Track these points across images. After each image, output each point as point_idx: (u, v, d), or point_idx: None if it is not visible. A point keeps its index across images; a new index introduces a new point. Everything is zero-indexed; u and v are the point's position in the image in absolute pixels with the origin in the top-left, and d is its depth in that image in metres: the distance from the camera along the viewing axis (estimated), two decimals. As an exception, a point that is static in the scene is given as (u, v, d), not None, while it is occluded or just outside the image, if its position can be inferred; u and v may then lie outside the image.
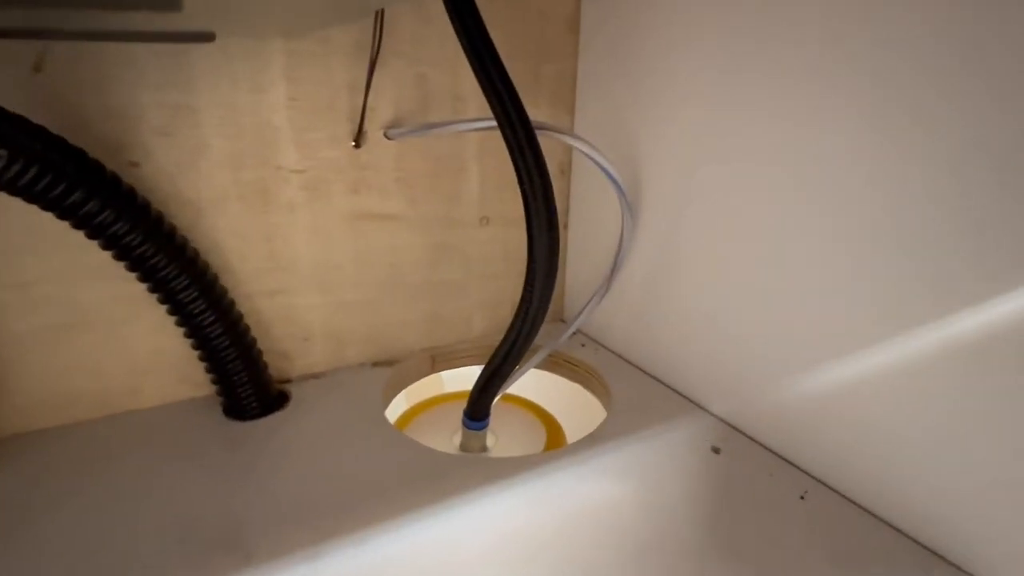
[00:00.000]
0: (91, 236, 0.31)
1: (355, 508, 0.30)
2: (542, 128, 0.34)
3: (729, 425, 0.39)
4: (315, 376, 0.44)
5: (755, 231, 0.35)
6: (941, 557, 0.29)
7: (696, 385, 0.42)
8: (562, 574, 0.28)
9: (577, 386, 0.49)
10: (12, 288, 0.34)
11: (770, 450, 0.37)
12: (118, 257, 0.32)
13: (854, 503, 0.32)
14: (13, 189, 0.27)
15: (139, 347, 0.38)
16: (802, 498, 0.33)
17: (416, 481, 0.32)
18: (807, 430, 0.34)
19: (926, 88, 0.26)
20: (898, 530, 0.30)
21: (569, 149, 0.50)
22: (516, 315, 0.35)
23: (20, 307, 0.34)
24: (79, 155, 0.29)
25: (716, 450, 0.37)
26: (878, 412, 0.30)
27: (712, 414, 0.40)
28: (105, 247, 0.32)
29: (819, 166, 0.31)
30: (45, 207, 0.29)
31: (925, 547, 0.29)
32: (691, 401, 0.42)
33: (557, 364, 0.50)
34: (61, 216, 0.29)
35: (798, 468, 0.35)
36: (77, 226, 0.30)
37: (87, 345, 0.36)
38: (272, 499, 0.31)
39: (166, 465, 0.34)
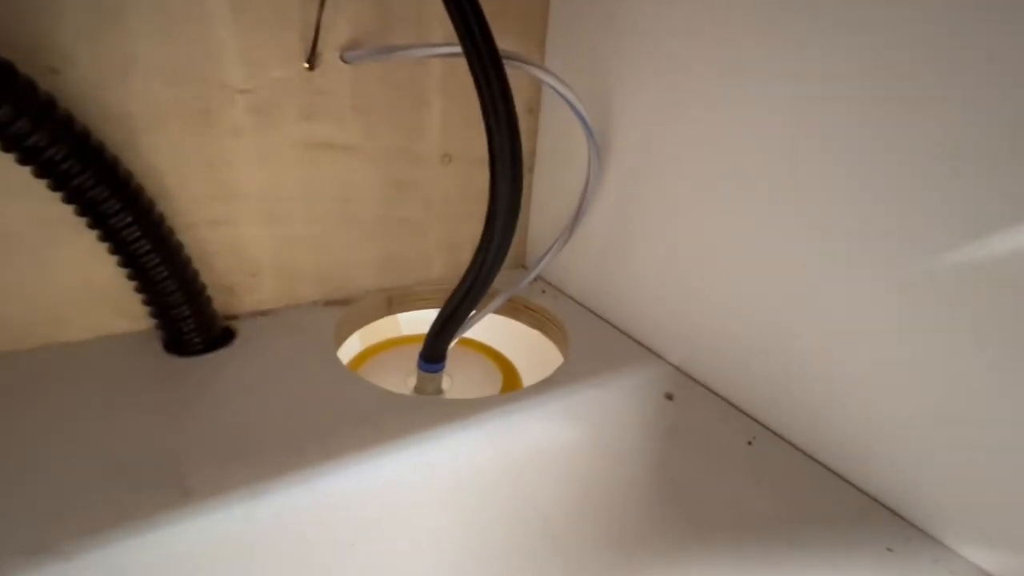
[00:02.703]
0: (5, 149, 0.28)
1: (301, 447, 0.29)
2: (510, 58, 0.32)
3: (684, 374, 0.39)
4: (264, 313, 0.42)
5: (720, 184, 0.34)
6: (879, 502, 0.30)
7: (654, 334, 0.42)
8: (514, 514, 0.28)
9: (536, 332, 0.48)
10: (-84, 204, 0.30)
11: (723, 398, 0.37)
12: (39, 175, 0.29)
13: (799, 449, 0.33)
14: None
15: (67, 275, 0.35)
16: (750, 443, 0.33)
17: (366, 421, 0.32)
18: (757, 378, 0.35)
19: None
20: (838, 475, 0.31)
21: (538, 87, 0.48)
22: (475, 257, 0.34)
23: (-74, 226, 0.31)
24: (-15, 53, 0.26)
25: (669, 396, 0.37)
26: (822, 359, 0.31)
27: (668, 362, 0.40)
28: (22, 162, 0.28)
29: (792, 119, 0.30)
30: (-54, 111, 0.25)
31: (864, 492, 0.30)
32: (648, 349, 0.42)
33: (516, 310, 0.49)
34: (-33, 123, 0.26)
35: (749, 416, 0.36)
36: (-13, 136, 0.27)
37: (9, 270, 0.33)
38: (214, 436, 0.30)
39: (99, 399, 0.32)
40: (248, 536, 0.25)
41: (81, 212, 0.31)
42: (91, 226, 0.32)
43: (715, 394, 0.37)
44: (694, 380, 0.39)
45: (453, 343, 0.41)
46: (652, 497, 0.30)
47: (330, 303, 0.44)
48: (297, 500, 0.27)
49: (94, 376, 0.34)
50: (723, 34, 0.32)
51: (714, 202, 0.35)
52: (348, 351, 0.47)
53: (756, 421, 0.35)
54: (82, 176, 0.30)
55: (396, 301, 0.48)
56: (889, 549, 0.27)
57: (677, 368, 0.40)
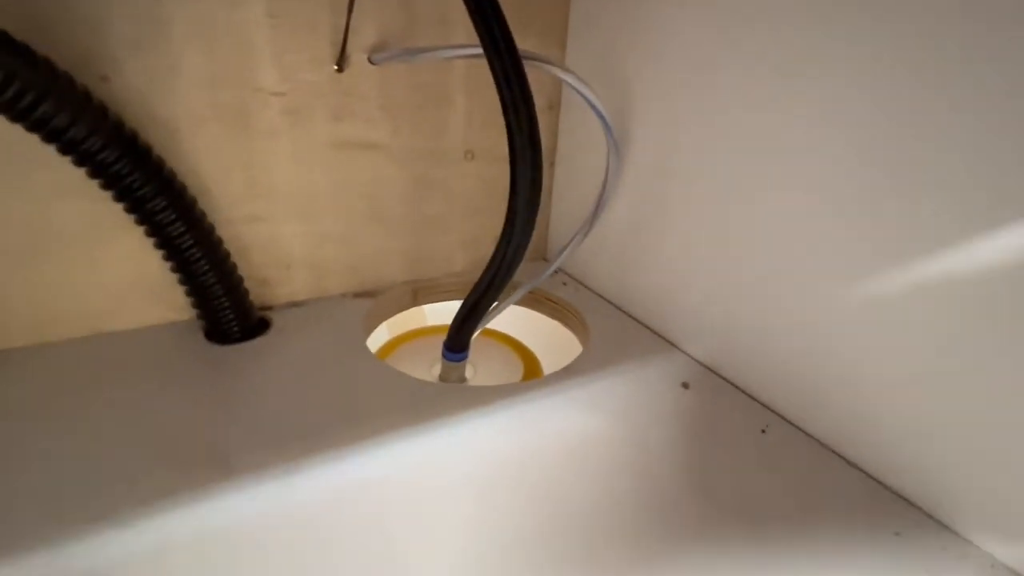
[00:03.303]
0: (63, 152, 0.30)
1: (334, 429, 0.31)
2: (530, 58, 0.33)
3: (702, 365, 0.40)
4: (296, 304, 0.44)
5: (738, 178, 0.35)
6: (896, 494, 0.30)
7: (673, 325, 0.43)
8: (535, 499, 0.30)
9: (556, 323, 0.49)
10: (-18, 204, 0.33)
11: (739, 388, 0.38)
12: (92, 175, 0.31)
13: (813, 438, 0.34)
14: (-22, 98, 0.26)
15: (117, 269, 0.37)
16: (763, 432, 0.34)
17: (394, 406, 0.33)
18: (771, 367, 0.35)
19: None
20: (853, 464, 0.32)
21: (558, 85, 0.49)
22: (496, 250, 0.35)
23: (-9, 224, 0.34)
24: (47, 64, 0.28)
25: (686, 385, 0.38)
26: (836, 347, 0.31)
27: (686, 353, 0.41)
28: (78, 163, 0.31)
29: (810, 112, 0.31)
30: (13, 119, 0.28)
31: (873, 478, 0.31)
32: (667, 341, 0.43)
33: (538, 301, 0.50)
34: (30, 129, 0.28)
35: (764, 405, 0.36)
36: (47, 140, 0.29)
37: (63, 265, 0.36)
38: (253, 419, 0.32)
39: (148, 384, 0.34)
40: (284, 512, 0.27)
41: (130, 209, 0.34)
42: (139, 222, 0.34)
43: (730, 383, 0.38)
44: (710, 370, 0.40)
45: (476, 333, 0.42)
46: (668, 483, 0.31)
47: (358, 295, 0.46)
48: (330, 480, 0.29)
49: (142, 362, 0.36)
50: (743, 32, 0.33)
51: (734, 196, 0.36)
52: (376, 340, 0.50)
53: (770, 409, 0.36)
54: (131, 176, 0.32)
55: (421, 293, 0.50)
56: (897, 534, 0.28)
57: (694, 358, 0.41)
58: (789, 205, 0.33)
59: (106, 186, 0.32)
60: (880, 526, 0.28)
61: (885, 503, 0.30)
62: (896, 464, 0.30)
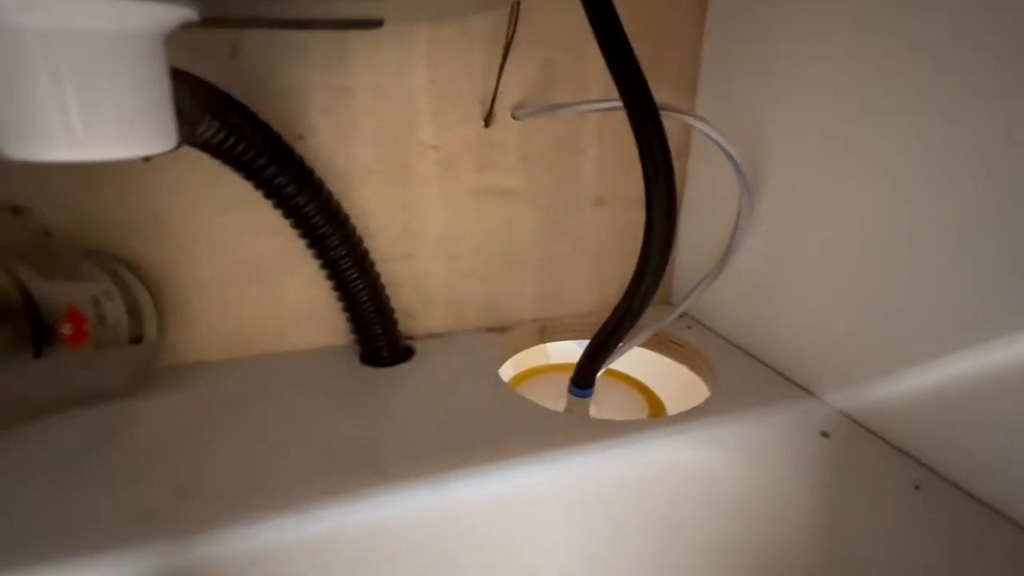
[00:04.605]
0: (268, 196, 0.36)
1: (472, 448, 0.34)
2: (665, 108, 0.36)
3: (844, 414, 0.39)
4: (435, 336, 0.48)
5: (876, 223, 0.34)
6: (1073, 560, 0.27)
7: (806, 371, 0.41)
8: (662, 531, 0.30)
9: (682, 366, 0.49)
10: (202, 239, 0.40)
11: (883, 439, 0.36)
12: (287, 215, 0.38)
13: (972, 496, 0.31)
14: (216, 152, 0.32)
15: (294, 297, 0.44)
16: (917, 488, 0.32)
17: (528, 431, 0.35)
18: (923, 420, 0.33)
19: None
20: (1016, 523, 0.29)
21: (686, 132, 0.51)
22: (628, 288, 0.37)
23: (207, 255, 0.41)
24: (265, 127, 0.34)
25: (825, 434, 0.36)
26: (997, 403, 0.29)
27: (822, 400, 0.40)
28: (277, 206, 0.37)
29: (950, 162, 0.30)
30: (236, 168, 0.34)
31: (1055, 549, 0.28)
32: (800, 387, 0.41)
33: (663, 344, 0.51)
34: (247, 177, 0.35)
35: (912, 457, 0.34)
36: (258, 186, 0.36)
37: (254, 293, 0.43)
38: (402, 434, 0.35)
39: (312, 398, 0.39)
40: (431, 517, 0.30)
41: (310, 245, 0.39)
42: (316, 256, 0.40)
43: (874, 434, 0.36)
44: (852, 419, 0.38)
45: (602, 371, 0.44)
46: (805, 533, 0.30)
47: (491, 330, 0.50)
48: (469, 493, 0.31)
49: (309, 378, 0.41)
50: (878, 72, 0.33)
51: (870, 242, 0.35)
52: (503, 375, 0.52)
53: (921, 463, 0.34)
54: (316, 217, 0.38)
55: (548, 331, 0.52)
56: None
57: (832, 407, 0.39)
58: (935, 246, 0.31)
59: (296, 225, 0.38)
60: (1066, 601, 0.25)
61: (1071, 577, 0.27)
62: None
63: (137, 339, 0.35)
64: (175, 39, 0.23)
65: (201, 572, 0.26)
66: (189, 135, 0.29)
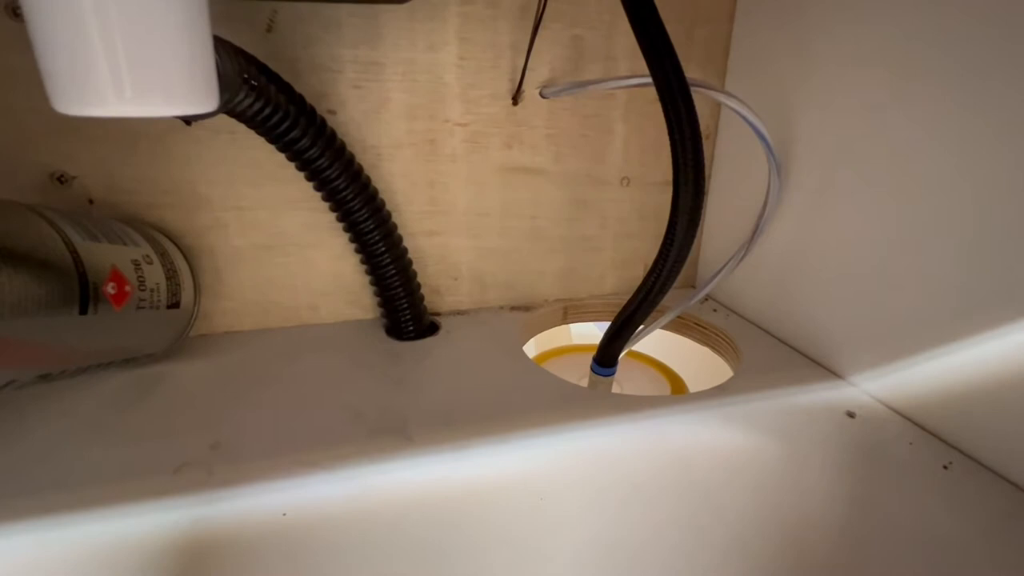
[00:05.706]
0: (300, 168, 0.37)
1: (496, 418, 0.34)
2: (695, 85, 0.35)
3: (867, 394, 0.38)
4: (460, 313, 0.49)
5: (907, 206, 0.34)
6: (1107, 542, 0.27)
7: (833, 353, 0.41)
8: (684, 504, 0.30)
9: (706, 349, 0.49)
10: (233, 210, 0.41)
11: (910, 419, 0.35)
12: (318, 188, 0.38)
13: (1004, 478, 0.31)
14: (252, 122, 0.33)
15: (323, 270, 0.45)
16: (945, 468, 0.32)
17: (551, 404, 0.36)
18: (952, 402, 0.33)
19: None
20: (1056, 511, 0.29)
21: (715, 113, 0.50)
22: (654, 265, 0.37)
23: (238, 227, 0.42)
24: (300, 100, 0.35)
25: (851, 414, 0.36)
26: (1044, 384, 0.29)
27: (848, 382, 0.39)
28: (309, 179, 0.38)
29: (984, 145, 0.29)
30: (270, 140, 0.35)
31: (1088, 531, 0.27)
32: (826, 368, 0.41)
33: (686, 326, 0.51)
34: (281, 149, 0.36)
35: (940, 439, 0.34)
36: (291, 159, 0.36)
37: (283, 264, 0.44)
38: (427, 403, 0.36)
39: (341, 367, 0.40)
40: (451, 484, 0.30)
41: (340, 218, 0.40)
42: (346, 230, 0.41)
43: (902, 415, 0.36)
44: (879, 400, 0.37)
45: (625, 351, 0.44)
46: (830, 510, 0.29)
47: (514, 308, 0.50)
48: (493, 460, 0.32)
49: (337, 348, 0.42)
50: (915, 51, 0.33)
51: (901, 225, 0.34)
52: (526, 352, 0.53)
53: (950, 445, 0.33)
54: (347, 191, 0.38)
55: (571, 311, 0.52)
56: (1121, 590, 0.24)
57: (859, 388, 0.39)
58: (966, 232, 0.31)
59: (326, 198, 0.39)
60: (1097, 580, 0.25)
61: (1104, 558, 0.26)
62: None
63: (175, 304, 0.37)
64: (215, 12, 0.24)
65: (235, 521, 0.27)
66: (228, 101, 0.30)
